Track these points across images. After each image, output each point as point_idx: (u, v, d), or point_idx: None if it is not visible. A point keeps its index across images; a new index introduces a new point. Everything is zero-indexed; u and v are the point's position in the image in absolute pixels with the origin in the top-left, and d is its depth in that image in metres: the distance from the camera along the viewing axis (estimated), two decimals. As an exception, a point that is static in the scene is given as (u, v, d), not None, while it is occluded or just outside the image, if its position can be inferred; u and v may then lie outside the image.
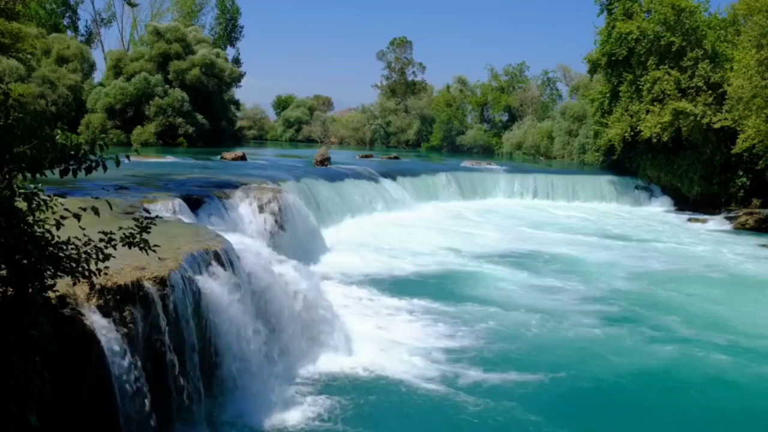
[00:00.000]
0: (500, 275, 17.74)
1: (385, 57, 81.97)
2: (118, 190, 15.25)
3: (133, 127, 49.72)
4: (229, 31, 74.73)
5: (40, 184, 5.13)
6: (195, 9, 71.91)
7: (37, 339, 4.96)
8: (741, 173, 32.44)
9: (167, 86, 51.08)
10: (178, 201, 14.56)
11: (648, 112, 33.60)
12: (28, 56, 42.19)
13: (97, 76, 57.00)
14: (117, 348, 6.70)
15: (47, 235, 5.15)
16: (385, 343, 11.68)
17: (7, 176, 4.93)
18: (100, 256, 5.52)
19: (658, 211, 34.78)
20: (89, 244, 5.49)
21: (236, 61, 72.01)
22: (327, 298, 11.86)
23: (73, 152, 5.02)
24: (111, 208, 6.50)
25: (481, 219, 28.55)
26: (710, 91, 32.12)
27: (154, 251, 5.81)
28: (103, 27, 71.53)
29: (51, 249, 5.12)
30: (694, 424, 9.57)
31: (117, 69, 51.99)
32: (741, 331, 13.40)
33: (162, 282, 7.62)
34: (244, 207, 16.86)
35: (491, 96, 71.70)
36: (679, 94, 32.81)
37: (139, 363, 7.03)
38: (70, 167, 5.07)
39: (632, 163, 38.00)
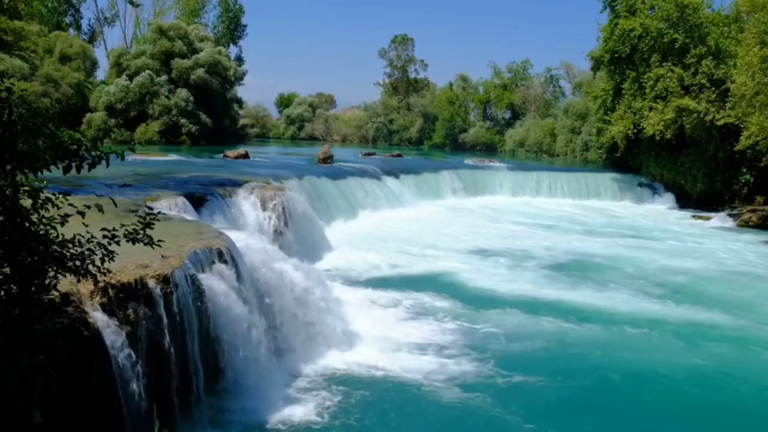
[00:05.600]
0: (506, 275, 17.63)
1: (387, 55, 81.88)
2: (121, 187, 15.26)
3: (136, 125, 49.81)
4: (232, 30, 74.66)
5: (45, 182, 5.12)
6: (197, 7, 71.83)
7: (41, 337, 4.97)
8: (744, 170, 32.38)
9: (171, 85, 51.17)
10: (181, 199, 14.58)
11: (651, 109, 33.55)
12: (31, 54, 42.27)
13: (100, 75, 57.17)
14: (120, 346, 6.71)
15: (51, 232, 5.15)
16: (388, 340, 11.68)
17: (9, 174, 4.92)
18: (104, 254, 5.51)
19: (661, 208, 34.75)
20: (92, 241, 5.49)
21: (238, 59, 71.96)
22: (330, 295, 11.86)
23: (75, 147, 5.01)
24: (116, 205, 6.49)
25: (485, 217, 28.54)
26: (713, 88, 32.05)
27: (159, 246, 5.80)
28: (106, 26, 71.65)
29: (55, 247, 5.11)
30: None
31: (119, 66, 52.04)
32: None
33: (165, 280, 7.63)
34: (247, 205, 16.87)
35: (494, 93, 71.56)
36: (682, 92, 32.74)
37: (142, 360, 7.04)
38: (73, 163, 5.06)
39: (635, 160, 37.97)
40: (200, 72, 52.04)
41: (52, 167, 5.08)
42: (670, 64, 33.35)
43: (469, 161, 43.09)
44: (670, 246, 23.40)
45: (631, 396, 10.14)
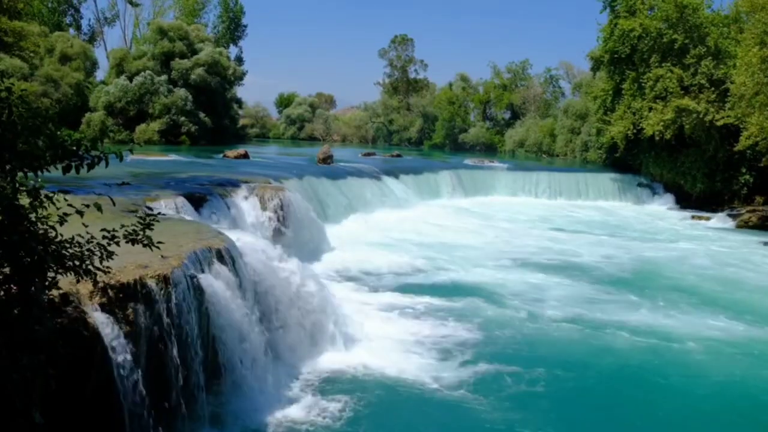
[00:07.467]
0: (507, 276, 17.53)
1: (387, 55, 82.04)
2: (119, 185, 15.29)
3: (136, 126, 49.87)
4: (232, 30, 74.71)
5: (43, 183, 5.13)
6: (197, 7, 71.86)
7: (41, 336, 4.97)
8: (744, 170, 32.39)
9: (170, 85, 51.21)
10: (180, 199, 14.58)
11: (651, 109, 33.57)
12: (31, 54, 42.31)
13: (100, 75, 57.22)
14: (120, 346, 6.71)
15: (51, 232, 5.15)
16: (388, 340, 11.66)
17: (9, 174, 4.93)
18: (104, 254, 5.52)
19: (661, 209, 34.75)
20: (92, 242, 5.50)
21: (238, 59, 72.09)
22: (330, 295, 11.86)
23: (74, 148, 5.02)
24: (114, 204, 6.51)
25: (484, 218, 28.50)
26: (713, 89, 32.07)
27: (158, 248, 5.81)
28: (106, 26, 71.71)
29: (54, 247, 5.12)
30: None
31: (119, 67, 52.11)
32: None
33: (165, 280, 7.63)
34: (246, 205, 16.87)
35: (494, 94, 71.68)
36: (682, 92, 32.77)
37: (141, 360, 7.05)
38: (73, 163, 5.07)
39: (635, 160, 38.00)
40: (200, 72, 52.10)
41: (52, 167, 5.09)
42: (669, 64, 33.37)
43: (468, 161, 43.18)
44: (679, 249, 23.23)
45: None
